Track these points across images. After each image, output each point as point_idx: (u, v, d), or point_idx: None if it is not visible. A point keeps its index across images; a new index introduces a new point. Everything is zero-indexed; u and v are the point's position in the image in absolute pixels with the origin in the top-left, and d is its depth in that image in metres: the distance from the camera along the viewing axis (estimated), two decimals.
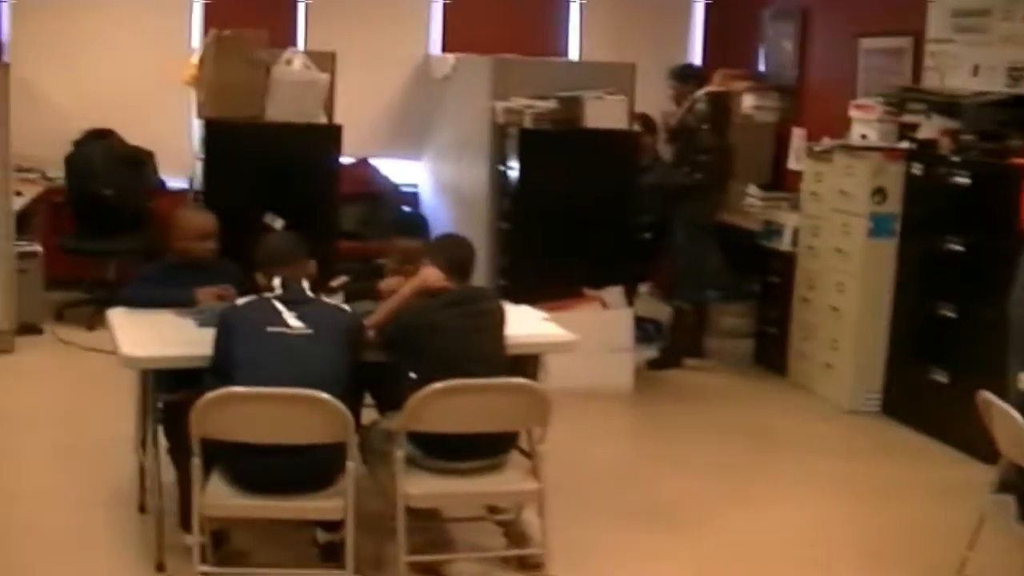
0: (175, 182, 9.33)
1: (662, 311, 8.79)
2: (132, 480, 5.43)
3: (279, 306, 4.49)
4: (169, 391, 4.75)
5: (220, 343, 4.45)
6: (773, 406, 7.66)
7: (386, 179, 10.03)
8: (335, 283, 5.37)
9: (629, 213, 7.84)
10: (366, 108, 9.61)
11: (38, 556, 4.90)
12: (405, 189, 10.07)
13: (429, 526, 4.87)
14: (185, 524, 4.60)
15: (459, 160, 8.93)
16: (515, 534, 5.03)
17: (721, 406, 7.62)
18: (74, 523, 5.22)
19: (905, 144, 7.41)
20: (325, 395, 4.13)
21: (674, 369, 8.26)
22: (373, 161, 9.96)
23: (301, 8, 9.86)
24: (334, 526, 4.63)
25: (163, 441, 4.86)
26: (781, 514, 5.80)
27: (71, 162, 8.99)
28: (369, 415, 5.13)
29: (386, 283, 5.05)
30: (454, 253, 4.86)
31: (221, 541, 4.73)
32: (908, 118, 7.53)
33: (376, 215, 9.57)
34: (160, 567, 4.72)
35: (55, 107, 9.44)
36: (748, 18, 10.06)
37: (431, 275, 4.78)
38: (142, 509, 5.30)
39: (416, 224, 5.54)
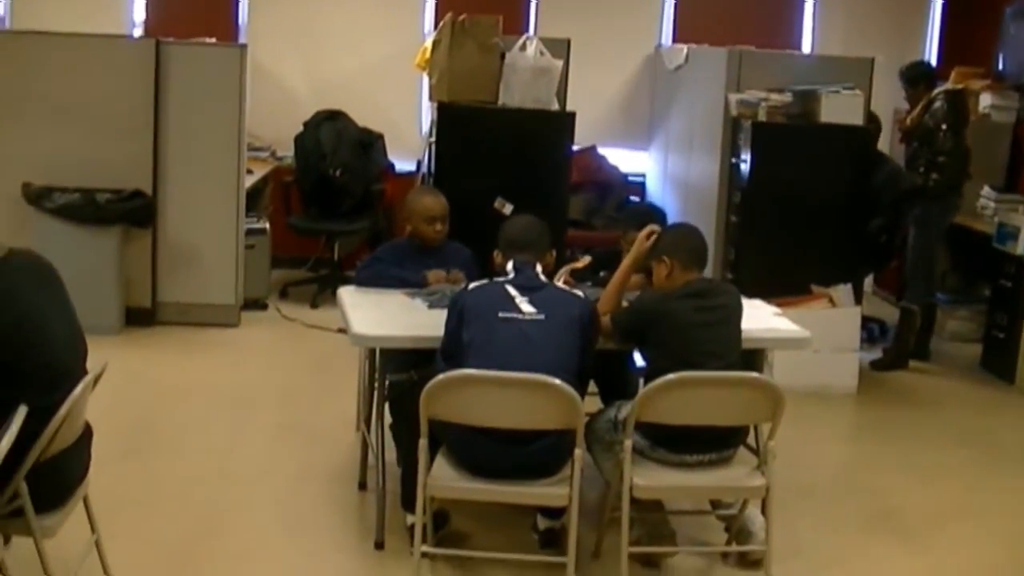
0: (403, 164, 9.40)
1: (885, 311, 8.52)
2: (352, 457, 5.47)
3: (511, 291, 4.43)
4: (396, 371, 4.75)
5: (451, 326, 4.41)
6: (999, 413, 7.33)
7: (614, 168, 9.94)
8: (580, 264, 5.30)
9: (861, 211, 7.59)
10: (596, 96, 9.55)
11: (257, 529, 4.94)
12: (632, 179, 9.96)
13: (650, 518, 4.75)
14: (406, 504, 4.58)
15: (689, 151, 8.80)
16: (737, 530, 4.89)
17: (946, 411, 7.32)
18: (293, 498, 5.26)
19: None
20: (556, 381, 4.05)
21: (899, 371, 7.99)
22: (601, 150, 9.87)
23: None
24: (556, 513, 4.57)
25: (388, 420, 4.86)
26: (1012, 528, 5.51)
27: (301, 142, 9.14)
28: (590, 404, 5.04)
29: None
30: (693, 243, 4.74)
31: (441, 523, 4.72)
32: None
33: (603, 204, 9.50)
34: (379, 545, 4.73)
35: (288, 89, 9.62)
36: (988, 15, 9.65)
37: (642, 242, 4.76)
38: (362, 487, 5.32)
39: (653, 215, 5.42)
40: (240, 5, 9.72)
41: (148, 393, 6.57)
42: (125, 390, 6.32)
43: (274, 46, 9.58)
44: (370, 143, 9.20)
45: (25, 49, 7.68)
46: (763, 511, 4.58)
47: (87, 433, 3.95)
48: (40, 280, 3.85)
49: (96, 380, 3.81)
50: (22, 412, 3.43)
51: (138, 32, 9.55)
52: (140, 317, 7.86)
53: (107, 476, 4.25)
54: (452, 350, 4.37)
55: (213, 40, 8.52)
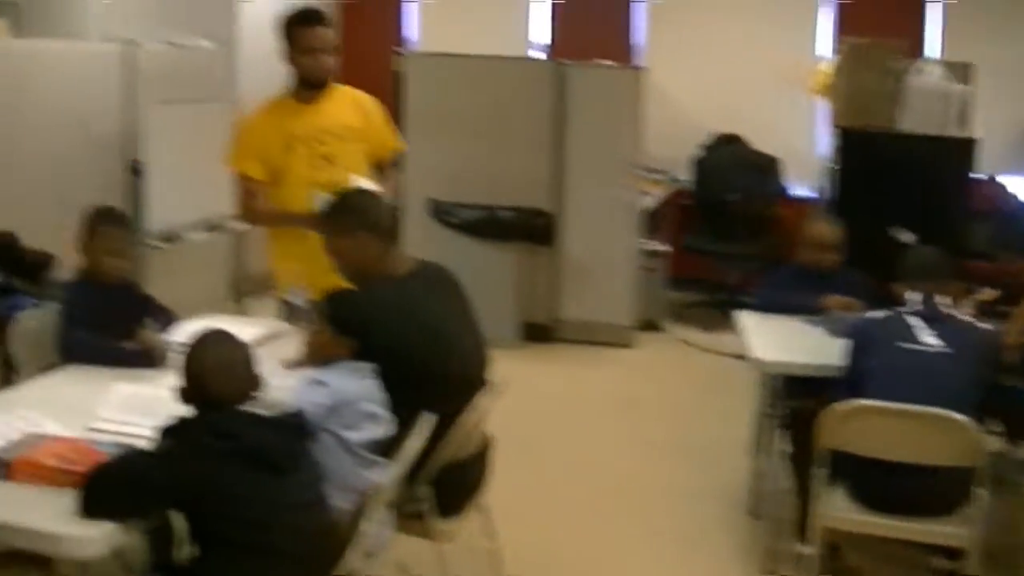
0: (799, 189, 9.32)
1: None
2: (743, 482, 5.45)
3: (913, 321, 4.33)
4: (792, 397, 4.73)
5: (852, 355, 4.35)
6: None
7: (1014, 198, 9.52)
8: (984, 296, 5.15)
9: None
10: (1001, 122, 9.17)
11: (643, 543, 5.02)
12: None
13: None
14: (800, 533, 4.54)
15: None
16: None
17: None
18: (681, 517, 5.30)
19: None
20: (960, 416, 3.93)
21: None
22: (1005, 178, 9.47)
23: (934, 16, 9.54)
24: (955, 554, 4.43)
25: (783, 447, 4.84)
26: None
27: (699, 165, 9.19)
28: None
29: None
30: None
31: (832, 555, 4.64)
32: None
33: (1005, 235, 9.11)
34: (769, 573, 4.71)
35: (685, 111, 9.68)
36: None
37: None
38: (753, 513, 5.30)
39: None
40: (638, 27, 9.88)
41: (544, 406, 6.75)
42: (521, 402, 6.50)
43: (671, 67, 9.66)
44: (766, 167, 9.16)
45: (435, 70, 8.07)
46: None
47: (487, 442, 4.12)
48: (448, 293, 4.06)
49: (499, 392, 3.97)
50: (429, 420, 3.60)
51: (540, 54, 9.87)
52: (537, 333, 8.10)
53: (503, 485, 4.40)
54: (853, 379, 4.29)
55: (612, 62, 8.70)
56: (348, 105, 5.00)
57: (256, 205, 4.87)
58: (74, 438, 3.28)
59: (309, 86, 4.89)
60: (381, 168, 5.05)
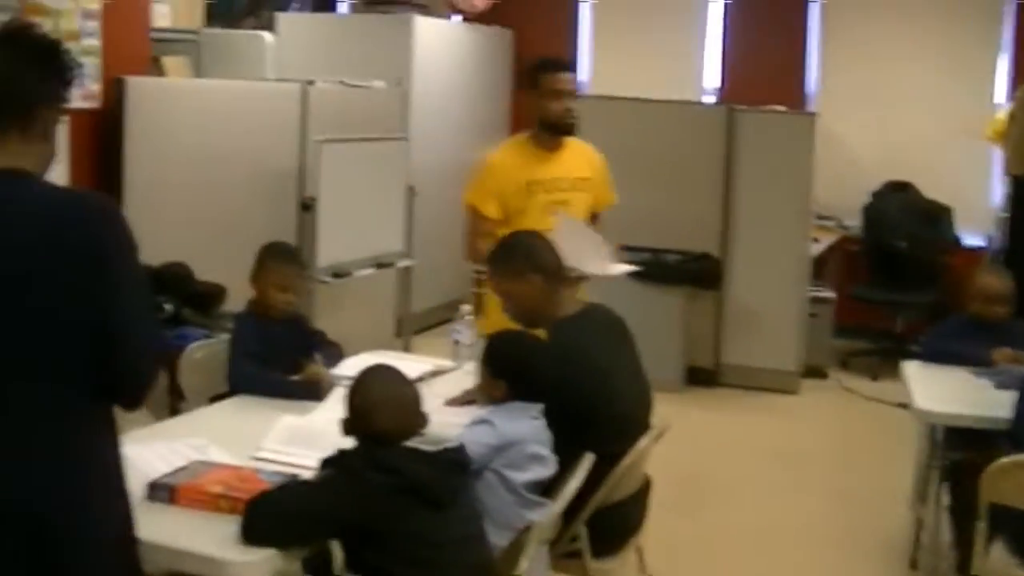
0: (971, 238, 9.17)
1: None
2: (904, 532, 5.39)
3: None
4: (955, 449, 4.67)
5: (1019, 408, 4.28)
6: None
7: None
8: None
9: None
10: None
11: None
12: None
13: None
14: None
15: None
16: None
17: None
18: (840, 566, 5.27)
19: None
20: None
21: None
22: None
23: None
24: None
25: (945, 499, 4.78)
26: None
27: (868, 212, 9.11)
28: None
29: None
30: None
31: None
32: None
33: None
34: None
35: (856, 157, 9.61)
36: None
37: None
38: (913, 565, 5.22)
39: None
40: (811, 72, 9.85)
41: (704, 450, 6.76)
42: (683, 446, 6.51)
43: (843, 113, 9.60)
44: (937, 215, 9.04)
45: (606, 113, 8.13)
46: None
47: (646, 484, 4.12)
48: (615, 335, 4.11)
49: (660, 434, 4.00)
50: (588, 460, 3.63)
51: (711, 99, 9.89)
52: (701, 376, 8.11)
53: (660, 527, 4.43)
54: (1017, 433, 4.24)
55: (783, 108, 8.69)
56: (581, 156, 5.16)
57: (483, 246, 4.85)
58: (239, 466, 3.35)
59: (554, 132, 5.03)
60: (593, 218, 5.22)
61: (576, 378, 3.79)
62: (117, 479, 2.68)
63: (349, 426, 3.21)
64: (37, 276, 2.48)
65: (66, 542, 2.51)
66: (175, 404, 4.43)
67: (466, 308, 4.88)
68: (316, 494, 3.05)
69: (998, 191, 8.91)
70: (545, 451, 3.60)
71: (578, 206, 5.04)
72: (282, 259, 4.55)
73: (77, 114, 5.61)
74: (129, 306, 2.56)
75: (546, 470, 3.59)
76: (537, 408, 3.64)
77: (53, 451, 2.51)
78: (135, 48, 6.59)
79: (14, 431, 2.49)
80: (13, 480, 2.47)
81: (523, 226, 4.78)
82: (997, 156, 8.28)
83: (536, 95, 4.98)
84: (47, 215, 2.52)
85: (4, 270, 2.48)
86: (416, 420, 3.21)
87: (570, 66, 5.03)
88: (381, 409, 3.16)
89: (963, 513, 4.43)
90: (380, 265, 7.26)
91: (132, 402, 2.69)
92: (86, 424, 2.57)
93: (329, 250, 6.73)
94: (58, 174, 2.76)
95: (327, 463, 3.16)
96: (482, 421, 3.58)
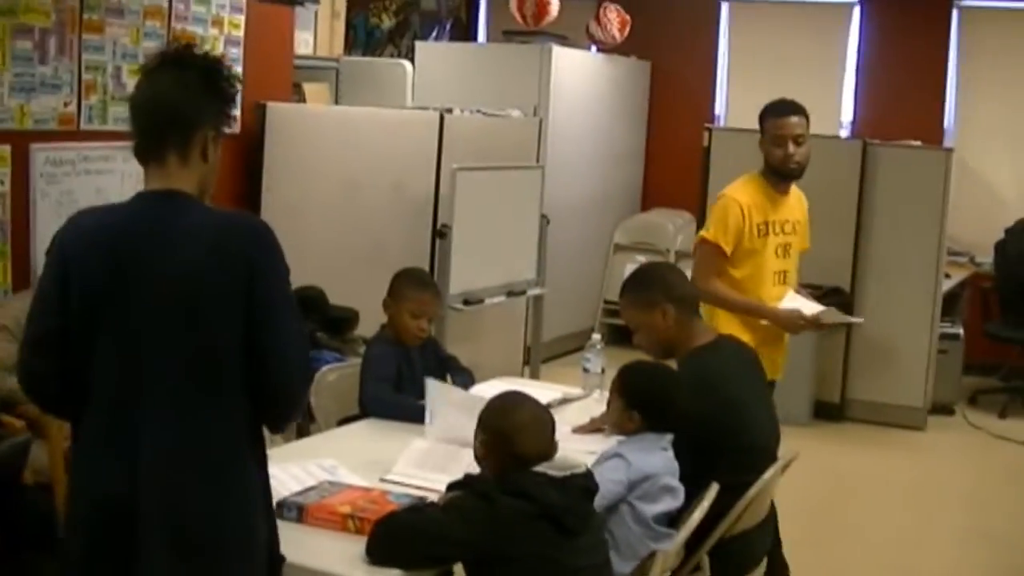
0: None
1: None
2: None
3: None
4: None
5: None
6: None
7: None
8: None
9: None
10: None
11: None
12: None
13: None
14: None
15: None
16: None
17: None
18: None
19: None
20: None
21: None
22: None
23: None
24: None
25: None
26: None
27: (1002, 249, 9.00)
28: None
29: None
30: None
31: None
32: None
33: None
34: None
35: (993, 192, 9.53)
36: None
37: None
38: None
39: None
40: (948, 107, 9.77)
41: (832, 484, 6.75)
42: (810, 479, 6.51)
43: (980, 148, 9.52)
44: None
45: (739, 145, 8.04)
46: None
47: (772, 516, 4.14)
48: (746, 365, 4.14)
49: (786, 466, 4.02)
50: (714, 489, 3.63)
51: (846, 132, 9.85)
52: (829, 411, 8.08)
53: (787, 560, 4.45)
54: None
55: (919, 143, 8.62)
56: (798, 199, 5.18)
57: (718, 287, 4.87)
58: (368, 487, 3.38)
59: (780, 177, 4.99)
60: None
61: (710, 409, 3.79)
62: (265, 497, 2.76)
63: (487, 448, 3.21)
64: (202, 294, 2.57)
65: (215, 556, 2.61)
66: (305, 426, 4.50)
67: (596, 337, 4.93)
68: (448, 517, 3.04)
69: None
70: (676, 482, 3.62)
71: (795, 248, 5.11)
72: (417, 286, 4.61)
73: None
74: (283, 326, 2.63)
75: (676, 501, 3.61)
76: (667, 439, 3.67)
77: (212, 469, 2.60)
78: (277, 74, 6.79)
79: (177, 449, 2.58)
80: (174, 496, 2.57)
81: (756, 268, 4.91)
82: None
83: (764, 140, 4.96)
84: (208, 236, 2.60)
85: (171, 288, 2.57)
86: (550, 446, 3.21)
87: (796, 110, 4.95)
88: (526, 431, 3.17)
89: None
90: (511, 293, 7.34)
91: (282, 420, 2.78)
92: (241, 442, 2.66)
93: (462, 277, 6.81)
94: None
95: (454, 486, 3.19)
96: (614, 455, 3.60)
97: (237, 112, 2.80)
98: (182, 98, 2.65)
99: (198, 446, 2.60)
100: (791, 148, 4.90)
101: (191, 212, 2.64)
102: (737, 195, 4.95)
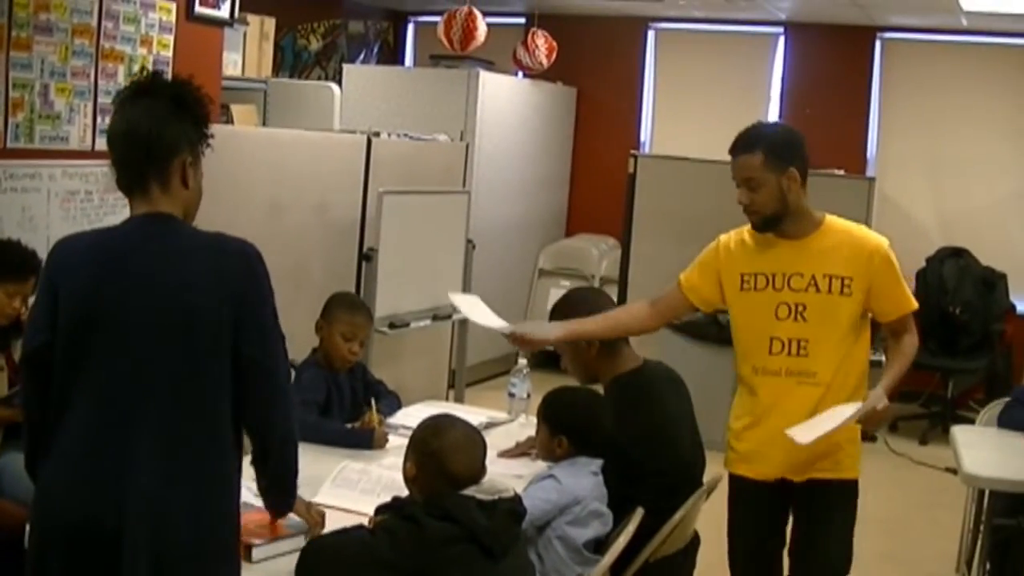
0: None
1: None
2: None
3: None
4: (1006, 516, 4.68)
5: None
6: None
7: None
8: None
9: None
10: None
11: None
12: None
13: None
14: None
15: None
16: None
17: None
18: None
19: None
20: None
21: None
22: None
23: None
24: None
25: (991, 566, 4.79)
26: None
27: (923, 278, 9.13)
28: None
29: None
30: None
31: None
32: None
33: None
34: None
35: (913, 221, 9.65)
36: None
37: None
38: None
39: None
40: (871, 137, 9.90)
41: None
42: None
43: (900, 178, 9.67)
44: (993, 282, 9.06)
45: (664, 172, 8.25)
46: None
47: (695, 541, 4.15)
48: (672, 390, 4.16)
49: (710, 491, 4.05)
50: (639, 514, 3.66)
51: None
52: None
53: None
54: None
55: (841, 171, 8.72)
56: (837, 246, 4.25)
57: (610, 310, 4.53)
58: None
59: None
60: None
61: (635, 432, 3.83)
62: (236, 501, 2.79)
63: (417, 468, 3.21)
64: (192, 316, 2.60)
65: (185, 557, 2.61)
66: None
67: (523, 362, 4.94)
68: (375, 539, 3.05)
69: None
70: (604, 508, 3.65)
71: (828, 312, 4.34)
72: (349, 308, 4.64)
73: None
74: (270, 346, 2.71)
75: (605, 527, 3.64)
76: (597, 464, 3.70)
77: (199, 492, 2.63)
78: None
79: (165, 472, 2.59)
80: (160, 519, 2.57)
81: (741, 327, 4.22)
82: None
83: None
84: (198, 255, 2.64)
85: (160, 308, 2.59)
86: (479, 469, 3.23)
87: (746, 146, 3.96)
88: (458, 452, 3.18)
89: None
90: (437, 317, 7.33)
91: (272, 435, 2.82)
92: (226, 463, 2.70)
93: (387, 301, 6.79)
94: (120, 217, 2.86)
95: (382, 509, 3.21)
96: (548, 476, 3.63)
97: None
98: (155, 128, 2.66)
99: (186, 469, 2.61)
100: (741, 195, 4.00)
101: (180, 231, 2.69)
102: (725, 234, 4.30)
